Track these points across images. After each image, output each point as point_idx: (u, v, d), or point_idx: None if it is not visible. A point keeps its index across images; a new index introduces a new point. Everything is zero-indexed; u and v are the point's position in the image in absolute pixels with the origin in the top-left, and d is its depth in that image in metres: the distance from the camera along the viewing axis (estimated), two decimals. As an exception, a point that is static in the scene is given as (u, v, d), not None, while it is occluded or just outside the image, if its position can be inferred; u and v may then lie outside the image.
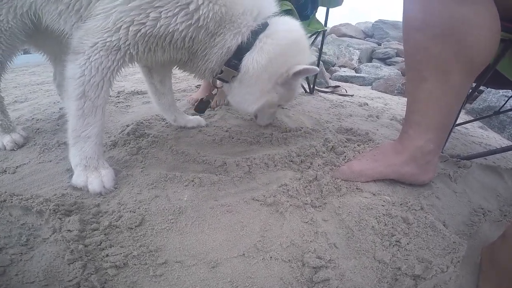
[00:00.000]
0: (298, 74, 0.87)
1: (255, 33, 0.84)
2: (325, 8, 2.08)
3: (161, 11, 0.70)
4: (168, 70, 1.11)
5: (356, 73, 3.93)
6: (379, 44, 6.62)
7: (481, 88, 2.13)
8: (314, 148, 1.00)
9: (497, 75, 1.15)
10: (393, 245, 0.69)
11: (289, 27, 0.90)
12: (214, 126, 1.24)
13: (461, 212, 0.84)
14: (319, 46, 2.28)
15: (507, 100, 1.54)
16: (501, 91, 2.20)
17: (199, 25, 0.75)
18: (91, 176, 0.79)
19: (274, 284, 0.59)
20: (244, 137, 1.12)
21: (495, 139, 1.83)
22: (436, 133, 0.82)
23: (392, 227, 0.73)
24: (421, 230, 0.73)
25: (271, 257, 0.64)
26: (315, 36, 2.03)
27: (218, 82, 0.98)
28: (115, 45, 0.72)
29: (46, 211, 0.70)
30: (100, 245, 0.64)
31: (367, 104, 1.97)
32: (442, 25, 0.72)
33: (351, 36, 7.32)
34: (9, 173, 0.88)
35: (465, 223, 0.80)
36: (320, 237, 0.70)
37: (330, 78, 3.26)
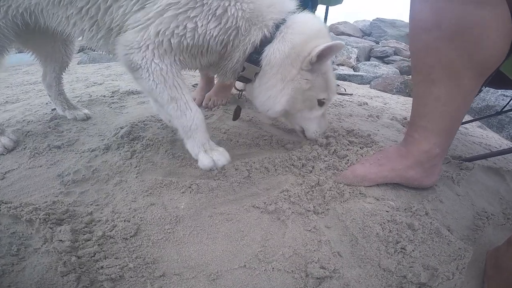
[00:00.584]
0: (322, 55, 0.81)
1: (277, 26, 0.82)
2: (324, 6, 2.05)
3: (196, 21, 0.72)
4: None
5: (354, 71, 3.91)
6: (377, 43, 6.62)
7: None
8: (315, 151, 0.97)
9: (497, 75, 1.13)
10: (398, 252, 0.67)
11: (309, 19, 0.88)
12: (212, 127, 1.20)
13: (465, 216, 0.82)
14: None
15: (510, 101, 1.53)
16: (499, 90, 2.19)
17: (228, 26, 0.75)
18: (214, 155, 0.85)
19: (277, 297, 0.56)
20: (243, 140, 1.09)
21: (494, 139, 1.82)
22: (442, 137, 0.80)
23: (397, 234, 0.71)
24: (427, 236, 0.71)
25: (273, 268, 0.62)
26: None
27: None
28: (162, 52, 0.75)
29: (36, 220, 0.67)
30: (94, 256, 0.61)
31: (367, 104, 1.94)
32: (454, 26, 0.68)
33: (349, 35, 7.32)
34: (-3, 179, 0.85)
35: (469, 228, 0.78)
36: (323, 245, 0.67)
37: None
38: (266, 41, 0.82)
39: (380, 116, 1.69)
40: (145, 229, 0.69)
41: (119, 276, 0.58)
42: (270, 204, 0.76)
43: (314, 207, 0.77)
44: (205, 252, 0.65)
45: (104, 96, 1.62)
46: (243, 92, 1.05)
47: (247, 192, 0.82)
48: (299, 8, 0.89)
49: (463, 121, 1.65)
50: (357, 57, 5.06)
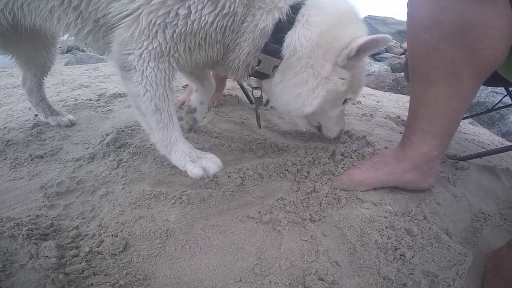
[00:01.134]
0: (363, 49, 0.70)
1: (295, 8, 0.69)
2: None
3: (190, 5, 0.64)
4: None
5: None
6: (368, 40, 6.64)
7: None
8: (310, 156, 0.94)
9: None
10: (398, 259, 0.65)
11: None
12: (203, 131, 1.16)
13: (463, 218, 0.81)
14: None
15: (502, 98, 1.53)
16: (489, 87, 2.21)
17: (224, 12, 0.66)
18: (203, 163, 0.78)
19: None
20: (236, 144, 1.05)
21: (486, 136, 1.82)
22: (441, 139, 0.78)
23: (396, 240, 0.69)
24: (426, 242, 0.69)
25: (270, 282, 0.59)
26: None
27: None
28: (158, 51, 0.68)
29: (18, 236, 0.63)
30: (82, 273, 0.58)
31: (360, 102, 1.92)
32: (455, 25, 0.66)
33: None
34: (-25, 193, 0.80)
35: (467, 230, 0.77)
36: (321, 255, 0.65)
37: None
38: (283, 27, 0.69)
39: (373, 114, 1.68)
40: (134, 244, 0.66)
41: (110, 294, 0.54)
42: (265, 214, 0.73)
43: (310, 215, 0.75)
44: (198, 267, 0.62)
45: (90, 100, 1.56)
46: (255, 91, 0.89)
47: (240, 201, 0.79)
48: None
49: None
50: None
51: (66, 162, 0.94)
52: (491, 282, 0.60)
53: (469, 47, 0.66)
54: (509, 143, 1.80)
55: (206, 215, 0.74)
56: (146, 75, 0.70)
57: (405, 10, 0.78)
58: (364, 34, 0.74)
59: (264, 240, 0.68)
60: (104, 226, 0.70)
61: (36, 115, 1.29)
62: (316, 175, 0.88)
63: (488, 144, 1.58)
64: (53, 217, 0.72)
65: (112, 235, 0.67)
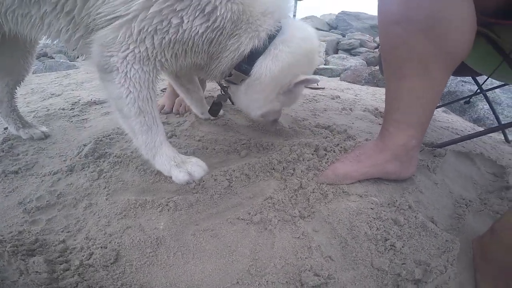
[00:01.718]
0: (299, 84, 0.85)
1: (271, 38, 0.79)
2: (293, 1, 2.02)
3: (183, 16, 0.66)
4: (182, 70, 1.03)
5: (324, 65, 3.97)
6: (344, 36, 6.78)
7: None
8: (295, 152, 0.95)
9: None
10: (389, 250, 0.66)
11: (306, 35, 0.86)
12: (185, 135, 1.14)
13: (445, 205, 0.84)
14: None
15: (476, 90, 1.61)
16: (458, 77, 2.32)
17: (215, 26, 0.70)
18: (188, 167, 0.81)
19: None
20: (220, 146, 1.04)
21: (459, 122, 1.92)
22: (417, 129, 0.81)
23: (385, 231, 0.70)
24: (413, 231, 0.71)
25: (267, 281, 0.59)
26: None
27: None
28: (144, 56, 0.69)
29: (3, 253, 0.61)
30: (76, 286, 0.57)
31: (339, 97, 1.96)
32: (423, 20, 0.68)
33: (316, 29, 7.46)
34: None
35: (451, 217, 0.80)
36: (314, 251, 0.65)
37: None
38: (257, 53, 0.79)
39: (353, 108, 1.72)
40: (125, 255, 0.64)
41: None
42: (255, 215, 0.72)
43: (299, 211, 0.75)
44: (193, 272, 0.61)
45: (64, 109, 1.49)
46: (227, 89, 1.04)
47: (229, 203, 0.78)
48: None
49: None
50: (325, 51, 5.15)
51: (43, 176, 0.89)
52: (482, 269, 0.62)
53: (437, 40, 0.69)
54: (480, 129, 1.90)
55: (196, 220, 0.72)
56: (130, 77, 0.69)
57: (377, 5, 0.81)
58: (310, 71, 0.91)
59: (256, 240, 0.67)
60: (91, 239, 0.67)
61: (5, 129, 1.22)
62: (301, 171, 0.89)
63: (462, 130, 1.66)
64: (37, 232, 0.69)
65: (101, 247, 0.65)
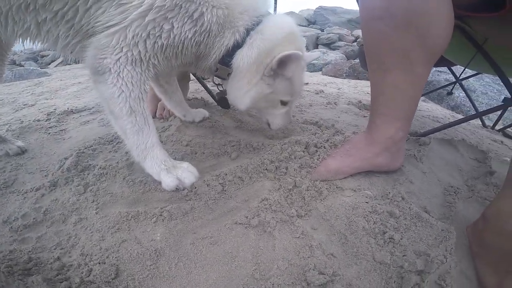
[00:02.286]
0: (282, 61, 0.82)
1: (248, 31, 0.84)
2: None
3: (173, 22, 0.71)
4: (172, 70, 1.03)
5: (304, 60, 3.99)
6: (322, 30, 6.86)
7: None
8: (286, 151, 0.94)
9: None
10: (388, 243, 0.67)
11: (280, 23, 0.88)
12: (171, 141, 1.10)
13: (436, 194, 0.86)
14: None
15: (455, 82, 1.66)
16: (434, 67, 2.40)
17: (202, 30, 0.76)
18: (178, 173, 0.81)
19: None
20: (209, 150, 1.02)
21: (439, 110, 1.98)
22: (403, 121, 0.83)
23: (382, 224, 0.71)
24: (409, 223, 0.72)
25: (273, 284, 0.58)
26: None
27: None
28: (137, 58, 0.72)
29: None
30: None
31: (323, 91, 1.98)
32: (403, 14, 0.70)
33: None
34: None
35: (442, 205, 0.82)
36: (315, 250, 0.65)
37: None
38: (237, 46, 0.84)
39: (337, 102, 1.74)
40: (126, 269, 0.62)
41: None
42: (252, 218, 0.71)
43: (296, 211, 0.75)
44: (198, 282, 0.59)
45: (39, 120, 1.41)
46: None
47: (225, 208, 0.76)
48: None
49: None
50: (306, 46, 5.19)
51: (25, 193, 0.84)
52: (479, 255, 0.63)
53: (418, 34, 0.70)
54: (458, 115, 1.98)
55: (193, 228, 0.70)
56: (122, 77, 0.72)
57: (353, -1, 0.82)
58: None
59: (257, 244, 0.66)
60: (87, 255, 0.65)
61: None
62: (294, 170, 0.88)
63: (442, 118, 1.72)
64: (29, 251, 0.66)
65: (99, 263, 0.62)
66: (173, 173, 0.81)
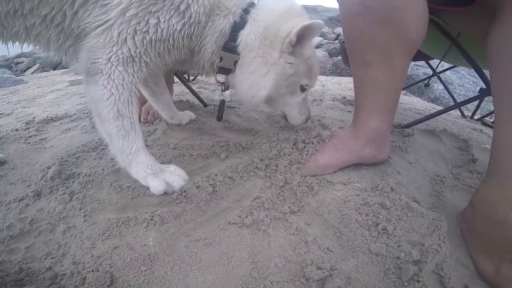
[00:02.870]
0: (302, 35, 0.79)
1: (246, 11, 0.82)
2: None
3: (158, 16, 0.70)
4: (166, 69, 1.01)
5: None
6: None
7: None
8: (275, 148, 0.94)
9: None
10: (382, 234, 0.67)
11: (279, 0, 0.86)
12: (158, 145, 1.08)
13: (423, 183, 0.88)
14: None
15: (432, 75, 1.72)
16: (412, 62, 2.48)
17: (191, 22, 0.75)
18: (166, 177, 0.80)
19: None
20: (197, 151, 1.00)
21: (420, 103, 2.04)
22: (387, 113, 0.85)
23: (374, 216, 0.72)
24: (401, 213, 0.73)
25: (271, 282, 0.58)
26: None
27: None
28: (128, 56, 0.71)
29: None
30: None
31: (308, 89, 2.00)
32: (381, 10, 0.72)
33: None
34: None
35: (431, 195, 0.83)
36: (311, 245, 0.65)
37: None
38: (238, 27, 0.80)
39: (322, 99, 1.76)
40: (120, 276, 0.60)
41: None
42: (246, 217, 0.71)
43: (289, 207, 0.75)
44: (195, 285, 0.58)
45: (17, 130, 1.35)
46: (226, 85, 0.98)
47: (217, 209, 0.75)
48: None
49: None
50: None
51: (8, 204, 0.81)
52: (472, 243, 0.65)
53: (396, 29, 0.73)
54: (438, 107, 2.05)
55: (186, 231, 0.69)
56: (113, 78, 0.71)
57: (333, -3, 0.84)
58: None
59: (252, 243, 0.66)
60: (79, 263, 0.63)
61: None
62: (284, 166, 0.88)
63: (423, 110, 1.77)
64: (19, 261, 0.64)
65: (92, 271, 0.60)
66: (161, 177, 0.79)
